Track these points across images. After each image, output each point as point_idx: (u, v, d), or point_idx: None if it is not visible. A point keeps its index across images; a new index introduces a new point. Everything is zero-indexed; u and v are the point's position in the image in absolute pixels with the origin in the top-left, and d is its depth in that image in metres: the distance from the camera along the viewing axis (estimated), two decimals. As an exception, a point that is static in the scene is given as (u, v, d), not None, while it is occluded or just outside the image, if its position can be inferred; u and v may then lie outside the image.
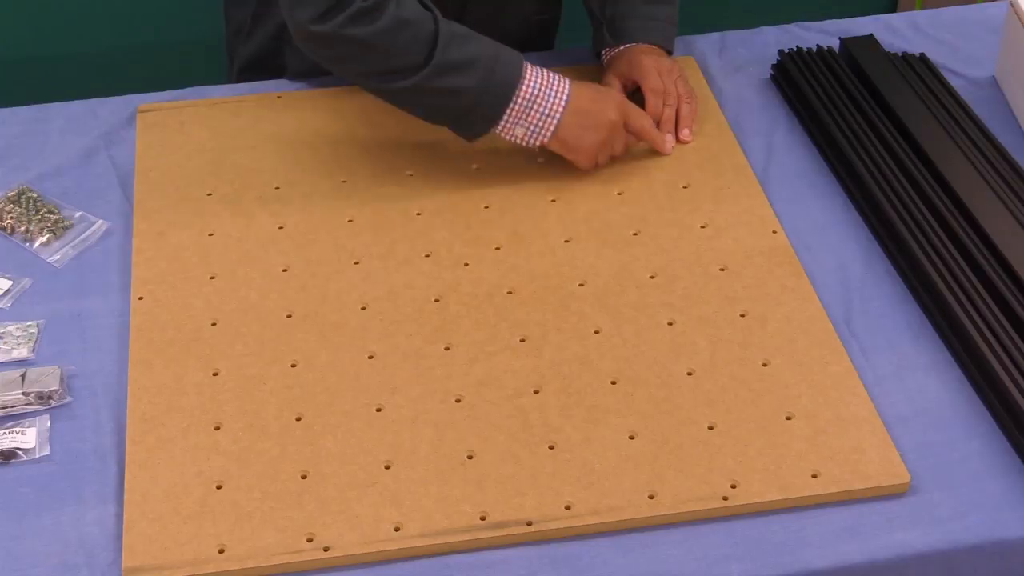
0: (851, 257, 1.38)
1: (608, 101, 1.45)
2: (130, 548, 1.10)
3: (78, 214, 1.43)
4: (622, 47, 1.56)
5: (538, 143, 1.43)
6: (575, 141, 1.43)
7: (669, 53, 1.57)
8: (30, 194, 1.44)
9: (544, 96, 1.40)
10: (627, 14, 1.56)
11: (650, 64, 1.51)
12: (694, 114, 1.52)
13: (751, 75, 1.63)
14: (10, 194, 1.44)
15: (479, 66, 1.37)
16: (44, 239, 1.39)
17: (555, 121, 1.41)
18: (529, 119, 1.40)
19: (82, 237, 1.40)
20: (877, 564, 1.10)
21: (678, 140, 1.51)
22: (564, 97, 1.41)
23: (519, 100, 1.39)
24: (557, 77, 1.42)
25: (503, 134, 1.42)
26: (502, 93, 1.39)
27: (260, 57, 1.66)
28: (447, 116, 1.42)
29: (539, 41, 1.73)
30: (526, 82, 1.39)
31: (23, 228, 1.40)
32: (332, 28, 1.32)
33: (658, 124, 1.50)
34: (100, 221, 1.42)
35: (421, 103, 1.42)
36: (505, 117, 1.40)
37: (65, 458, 1.18)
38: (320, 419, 1.20)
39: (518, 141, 1.43)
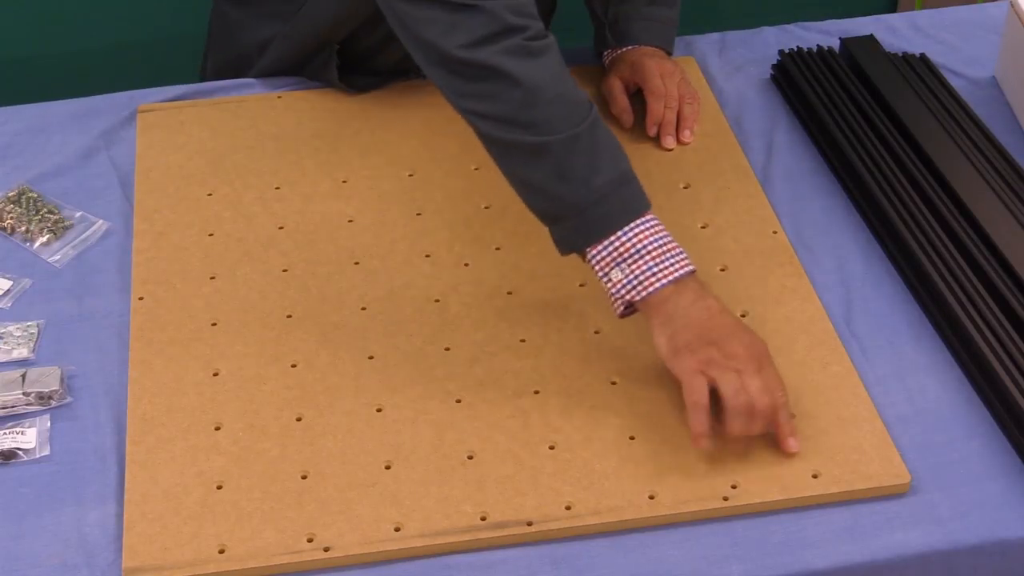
0: (851, 257, 1.38)
1: (733, 335, 1.15)
2: (130, 548, 1.10)
3: (78, 214, 1.43)
4: (624, 49, 1.56)
5: (635, 297, 1.17)
6: (685, 332, 1.15)
7: (669, 54, 1.57)
8: (30, 194, 1.44)
9: (656, 251, 1.16)
10: (630, 16, 1.56)
11: (652, 66, 1.51)
12: (696, 115, 1.52)
13: (751, 75, 1.63)
14: (10, 194, 1.44)
15: (616, 165, 1.18)
16: (44, 239, 1.39)
17: (656, 287, 1.15)
18: (636, 264, 1.16)
19: (82, 237, 1.40)
20: (877, 564, 1.10)
21: (679, 141, 1.51)
22: (680, 270, 1.16)
23: (630, 240, 1.16)
24: (676, 248, 1.18)
25: (596, 266, 1.18)
26: (628, 207, 1.17)
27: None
28: (550, 202, 1.19)
29: None
30: (646, 226, 1.17)
31: (23, 228, 1.40)
32: (485, 57, 1.17)
33: (659, 126, 1.50)
34: (100, 221, 1.42)
35: (537, 170, 1.18)
36: (605, 244, 1.16)
37: (65, 458, 1.18)
38: (320, 419, 1.20)
39: (611, 288, 1.18)
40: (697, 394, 1.13)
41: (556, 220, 1.20)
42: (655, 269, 1.16)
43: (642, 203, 1.19)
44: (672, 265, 1.16)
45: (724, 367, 1.13)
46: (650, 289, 1.16)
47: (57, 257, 1.38)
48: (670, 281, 1.15)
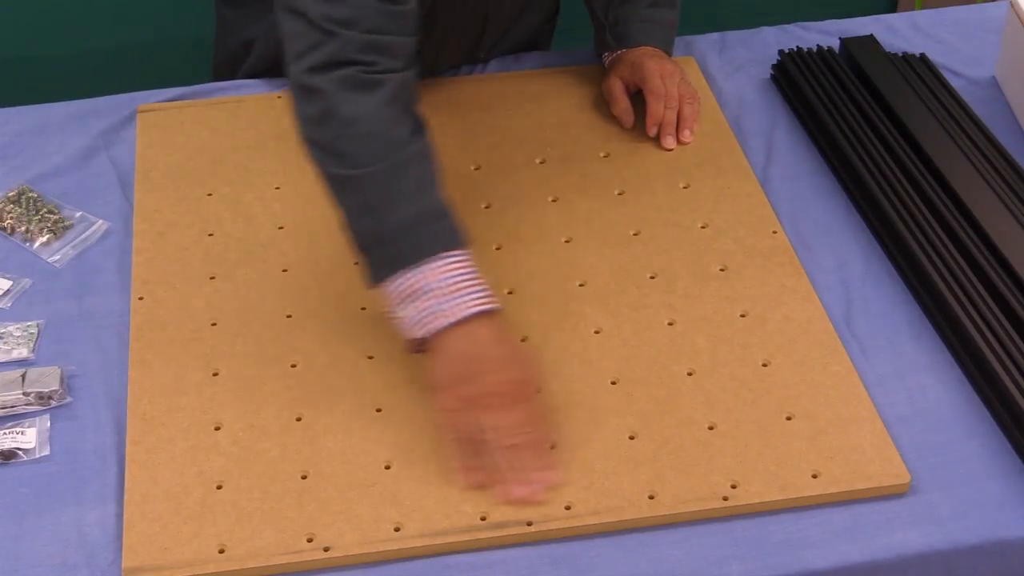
0: (851, 257, 1.38)
1: (502, 368, 1.15)
2: (130, 548, 1.10)
3: (78, 214, 1.43)
4: (624, 50, 1.56)
5: (414, 335, 1.17)
6: (444, 369, 1.16)
7: (669, 55, 1.57)
8: (30, 194, 1.44)
9: (446, 295, 1.15)
10: (630, 18, 1.56)
11: (652, 67, 1.51)
12: (696, 115, 1.52)
13: (751, 75, 1.63)
14: (10, 194, 1.44)
15: (422, 202, 1.18)
16: (44, 239, 1.39)
17: (438, 327, 1.14)
18: (420, 308, 1.15)
19: (82, 237, 1.40)
20: (877, 564, 1.10)
21: (679, 141, 1.51)
22: (464, 312, 1.14)
23: (417, 280, 1.15)
24: (473, 285, 1.16)
25: (393, 304, 1.18)
26: (423, 246, 1.16)
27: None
28: (355, 233, 1.20)
29: (540, 43, 1.74)
30: (451, 259, 1.16)
31: (23, 228, 1.40)
32: (319, 82, 1.18)
33: (659, 127, 1.50)
34: (100, 221, 1.42)
35: (346, 201, 1.19)
36: (398, 280, 1.16)
37: (65, 458, 1.18)
38: (320, 419, 1.20)
39: (401, 323, 1.18)
40: (449, 433, 1.15)
41: (361, 252, 1.20)
42: (442, 307, 1.15)
43: (444, 241, 1.17)
44: (460, 304, 1.14)
45: (478, 405, 1.13)
46: (432, 327, 1.15)
47: (57, 257, 1.38)
48: (454, 321, 1.14)
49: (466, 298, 1.15)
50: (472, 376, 1.14)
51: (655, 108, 1.50)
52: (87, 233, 1.41)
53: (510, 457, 1.13)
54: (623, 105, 1.52)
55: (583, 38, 1.67)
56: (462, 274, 1.16)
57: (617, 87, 1.53)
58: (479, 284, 1.16)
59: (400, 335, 1.20)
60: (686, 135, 1.50)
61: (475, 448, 1.14)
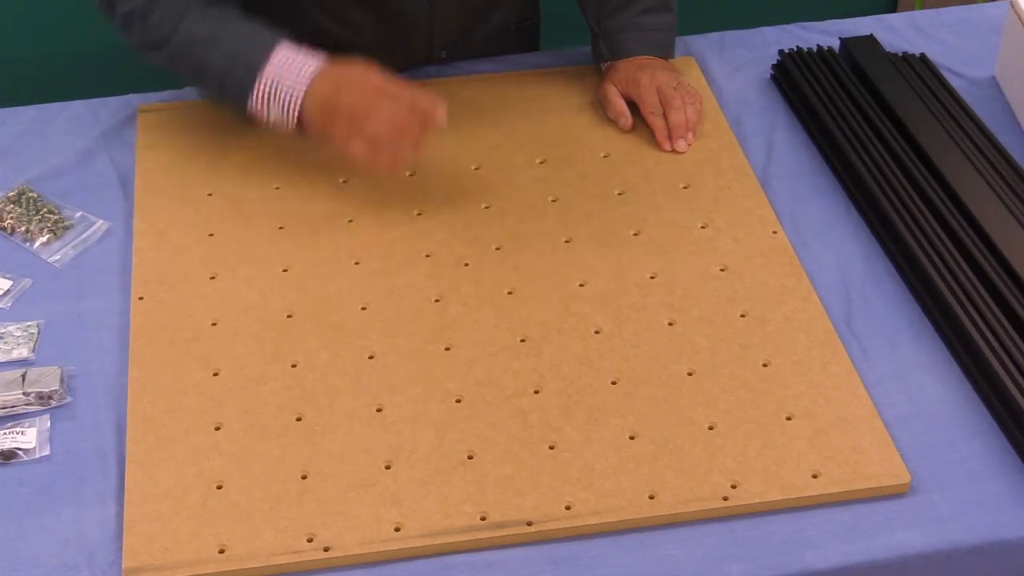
0: (851, 257, 1.38)
1: (356, 82, 1.35)
2: (130, 548, 1.10)
3: (78, 214, 1.43)
4: (619, 60, 1.55)
5: (288, 125, 1.38)
6: (318, 124, 1.36)
7: (668, 58, 1.57)
8: (30, 194, 1.44)
9: (288, 75, 1.35)
10: (622, 27, 1.55)
11: (646, 81, 1.51)
12: (698, 115, 1.51)
13: (751, 75, 1.63)
14: (10, 194, 1.44)
15: (222, 43, 1.37)
16: (44, 239, 1.39)
17: (298, 100, 1.35)
18: (281, 93, 1.36)
19: (82, 237, 1.40)
20: (877, 564, 1.10)
21: (683, 143, 1.50)
22: (308, 76, 1.35)
23: (266, 76, 1.36)
24: (312, 56, 1.36)
25: (261, 117, 1.39)
26: (246, 72, 1.36)
27: None
28: (209, 91, 1.43)
29: (522, 44, 1.72)
30: (271, 64, 1.36)
31: (23, 228, 1.41)
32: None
33: (669, 137, 1.50)
34: (100, 221, 1.42)
35: (185, 74, 1.43)
36: (253, 95, 1.37)
37: (65, 458, 1.18)
38: (320, 419, 1.20)
39: (275, 124, 1.39)
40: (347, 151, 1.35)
41: (224, 101, 1.42)
42: (291, 90, 1.35)
43: (262, 48, 1.36)
44: (300, 78, 1.35)
45: (356, 120, 1.33)
46: (296, 109, 1.36)
47: (57, 257, 1.38)
48: (303, 92, 1.35)
49: (301, 70, 1.35)
50: (339, 105, 1.34)
51: (657, 124, 1.50)
52: (87, 233, 1.41)
53: (393, 138, 1.33)
54: (619, 108, 1.52)
55: (583, 40, 1.66)
56: (288, 58, 1.36)
57: (611, 91, 1.53)
58: (305, 57, 1.35)
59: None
60: (689, 137, 1.50)
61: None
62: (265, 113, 1.38)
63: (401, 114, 1.33)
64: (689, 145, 1.50)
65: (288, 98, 1.36)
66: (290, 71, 1.35)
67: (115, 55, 2.11)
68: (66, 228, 1.41)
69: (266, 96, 1.37)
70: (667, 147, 1.50)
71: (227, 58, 1.37)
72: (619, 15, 1.56)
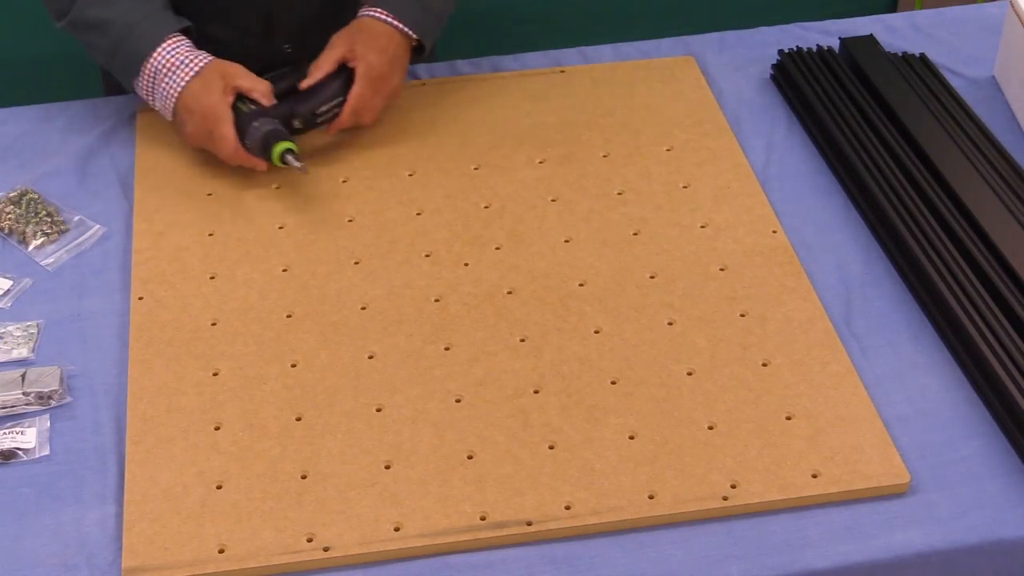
0: (851, 257, 1.38)
1: (198, 112, 1.42)
2: (130, 548, 1.10)
3: (76, 218, 1.43)
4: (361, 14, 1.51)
5: (168, 119, 1.46)
6: (182, 132, 1.46)
7: (411, 35, 1.49)
8: (31, 195, 1.44)
9: (167, 76, 1.42)
10: None
11: (363, 68, 1.46)
12: (372, 116, 1.49)
13: (751, 75, 1.63)
14: (11, 195, 1.44)
15: (112, 30, 1.42)
16: (38, 242, 1.39)
17: (168, 105, 1.43)
18: (157, 94, 1.44)
19: (77, 242, 1.40)
20: (877, 564, 1.10)
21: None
22: (182, 84, 1.42)
23: (145, 73, 1.43)
24: (190, 62, 1.42)
25: (148, 101, 1.46)
26: (130, 63, 1.43)
27: None
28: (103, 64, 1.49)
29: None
30: (154, 56, 1.42)
31: (20, 230, 1.40)
32: None
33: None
34: (97, 226, 1.42)
35: (83, 45, 1.48)
36: (136, 85, 1.44)
37: (65, 458, 1.18)
38: (320, 419, 1.20)
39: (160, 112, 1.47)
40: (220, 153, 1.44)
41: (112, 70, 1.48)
42: (168, 90, 1.43)
43: (148, 38, 1.42)
44: (171, 87, 1.42)
45: (193, 142, 1.45)
46: (170, 107, 1.44)
47: (51, 260, 1.38)
48: (175, 98, 1.42)
49: (175, 77, 1.42)
50: (184, 133, 1.45)
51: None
52: (83, 238, 1.40)
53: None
54: (319, 64, 1.47)
55: (581, 39, 1.67)
56: (168, 61, 1.42)
57: (333, 42, 1.48)
58: (182, 62, 1.42)
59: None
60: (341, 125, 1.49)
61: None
62: (151, 102, 1.46)
63: (233, 161, 1.44)
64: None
65: (164, 101, 1.44)
66: (167, 76, 1.42)
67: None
68: (62, 232, 1.41)
69: (149, 90, 1.44)
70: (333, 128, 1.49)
71: (114, 44, 1.43)
72: None
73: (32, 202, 1.43)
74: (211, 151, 1.44)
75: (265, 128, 1.42)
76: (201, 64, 1.42)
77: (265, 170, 1.44)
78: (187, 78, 1.42)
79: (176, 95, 1.42)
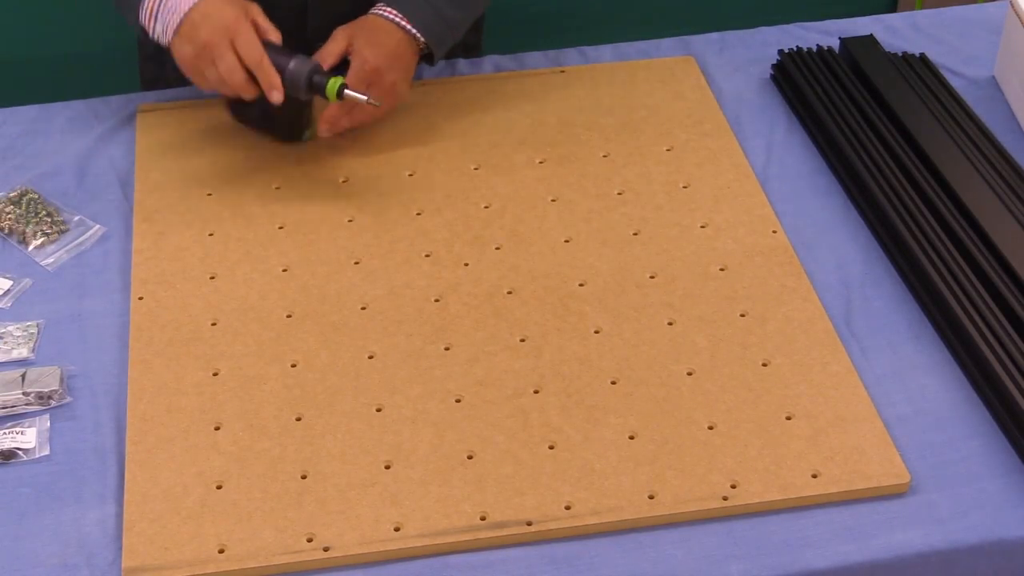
0: (851, 257, 1.38)
1: (216, 19, 1.35)
2: (130, 548, 1.10)
3: (76, 218, 1.42)
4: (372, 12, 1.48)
5: (166, 42, 1.40)
6: (179, 51, 1.38)
7: (421, 39, 1.46)
8: (32, 195, 1.44)
9: (167, 14, 1.37)
10: None
11: (358, 63, 1.43)
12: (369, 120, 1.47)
13: (751, 75, 1.63)
14: (12, 194, 1.44)
15: None
16: (38, 242, 1.39)
17: (175, 20, 1.37)
18: (163, 9, 1.38)
19: (77, 242, 1.40)
20: (877, 564, 1.10)
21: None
22: (175, 22, 1.37)
23: None
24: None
25: (149, 28, 1.41)
26: None
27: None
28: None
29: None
30: None
31: (20, 230, 1.40)
32: None
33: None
34: (97, 226, 1.42)
35: None
36: (144, 12, 1.39)
37: (65, 458, 1.18)
38: (320, 419, 1.20)
39: (158, 38, 1.41)
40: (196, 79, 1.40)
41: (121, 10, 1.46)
42: (173, 9, 1.37)
43: None
44: (180, 4, 1.37)
45: (202, 62, 1.36)
46: (172, 27, 1.38)
47: (51, 260, 1.38)
48: (181, 17, 1.36)
49: (170, 9, 1.37)
50: (195, 39, 1.36)
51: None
52: (83, 238, 1.40)
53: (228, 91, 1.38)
54: (324, 54, 1.45)
55: (580, 39, 1.67)
56: None
57: (336, 35, 1.46)
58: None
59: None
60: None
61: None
62: (152, 27, 1.40)
63: (237, 77, 1.35)
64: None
65: (169, 16, 1.37)
66: (163, 11, 1.37)
67: (115, 55, 2.11)
68: (62, 232, 1.41)
69: (153, 10, 1.38)
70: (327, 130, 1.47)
71: None
72: None
73: (32, 202, 1.43)
74: (226, 65, 1.35)
75: (310, 64, 1.37)
76: None
77: (281, 95, 1.36)
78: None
79: (188, 7, 1.36)
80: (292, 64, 1.37)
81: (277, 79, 1.36)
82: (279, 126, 1.48)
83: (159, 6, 1.38)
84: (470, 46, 1.67)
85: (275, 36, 1.38)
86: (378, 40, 1.45)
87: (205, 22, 1.35)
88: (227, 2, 1.36)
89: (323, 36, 1.50)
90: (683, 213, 1.42)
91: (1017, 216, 1.35)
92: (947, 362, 1.27)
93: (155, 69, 1.69)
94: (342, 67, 1.44)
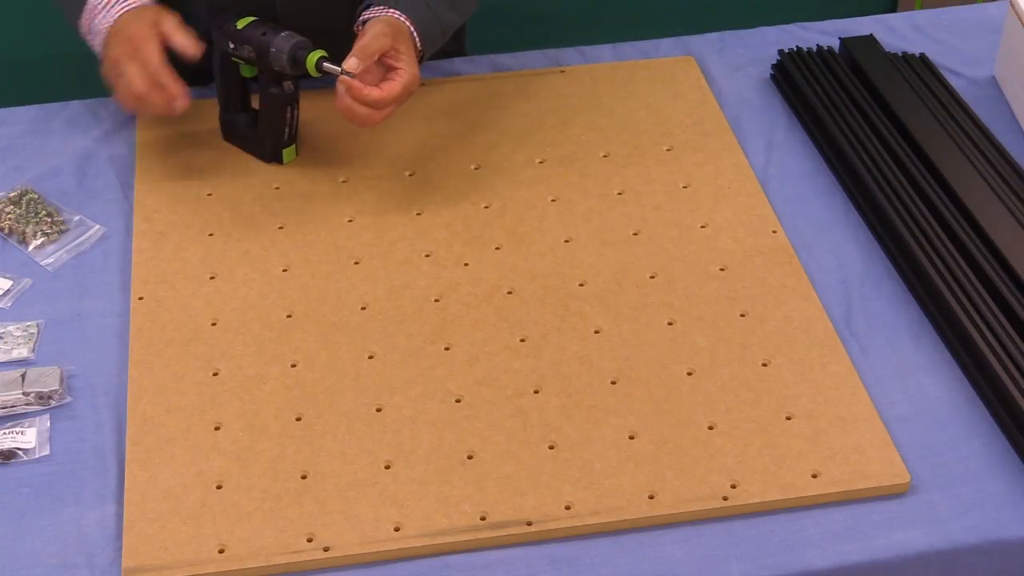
0: (851, 257, 1.38)
1: (123, 34, 1.39)
2: (130, 548, 1.10)
3: (76, 218, 1.42)
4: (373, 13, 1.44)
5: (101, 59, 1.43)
6: (103, 60, 1.41)
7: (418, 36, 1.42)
8: (32, 195, 1.44)
9: (105, 10, 1.41)
10: None
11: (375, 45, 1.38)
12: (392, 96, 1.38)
13: (751, 75, 1.63)
14: (12, 194, 1.44)
15: None
16: (38, 242, 1.39)
17: (100, 39, 1.41)
18: (94, 28, 1.42)
19: (77, 242, 1.40)
20: (877, 564, 1.10)
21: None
22: (114, 16, 1.40)
23: (87, 9, 1.42)
24: (113, 7, 1.41)
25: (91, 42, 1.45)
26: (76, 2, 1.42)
27: None
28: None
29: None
30: (90, 3, 1.41)
31: (20, 230, 1.40)
32: None
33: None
34: (97, 226, 1.42)
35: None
36: (81, 21, 1.43)
37: (65, 458, 1.18)
38: (320, 419, 1.20)
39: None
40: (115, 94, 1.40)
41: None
42: (100, 25, 1.41)
43: None
44: (105, 18, 1.40)
45: (112, 76, 1.39)
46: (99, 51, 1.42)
47: (51, 260, 1.38)
48: (108, 31, 1.39)
49: (111, 9, 1.40)
50: (107, 56, 1.39)
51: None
52: (83, 238, 1.40)
53: (138, 104, 1.39)
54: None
55: (579, 39, 1.66)
56: (97, 6, 1.41)
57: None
58: (110, 9, 1.41)
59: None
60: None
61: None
62: (89, 39, 1.44)
63: (142, 88, 1.36)
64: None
65: (95, 38, 1.42)
66: (106, 7, 1.41)
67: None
68: (62, 232, 1.41)
69: (89, 27, 1.43)
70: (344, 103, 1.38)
71: None
72: None
73: (32, 202, 1.43)
74: (127, 77, 1.36)
75: (293, 39, 1.37)
76: (139, 3, 1.41)
77: (185, 102, 1.37)
78: (121, 11, 1.40)
79: (108, 25, 1.40)
80: (276, 40, 1.38)
81: (177, 89, 1.37)
82: (258, 146, 1.49)
83: (90, 27, 1.42)
84: (450, 53, 1.65)
85: (190, 49, 1.38)
86: (413, 53, 1.41)
87: (115, 38, 1.39)
88: (137, 16, 1.39)
89: (293, 13, 1.49)
90: (683, 213, 1.42)
91: (1017, 216, 1.35)
92: (947, 362, 1.27)
93: None
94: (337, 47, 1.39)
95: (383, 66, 1.38)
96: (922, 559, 1.11)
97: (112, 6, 1.41)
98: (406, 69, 1.37)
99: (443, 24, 1.47)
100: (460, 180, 1.47)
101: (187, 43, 1.39)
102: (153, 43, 1.37)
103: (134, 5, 1.41)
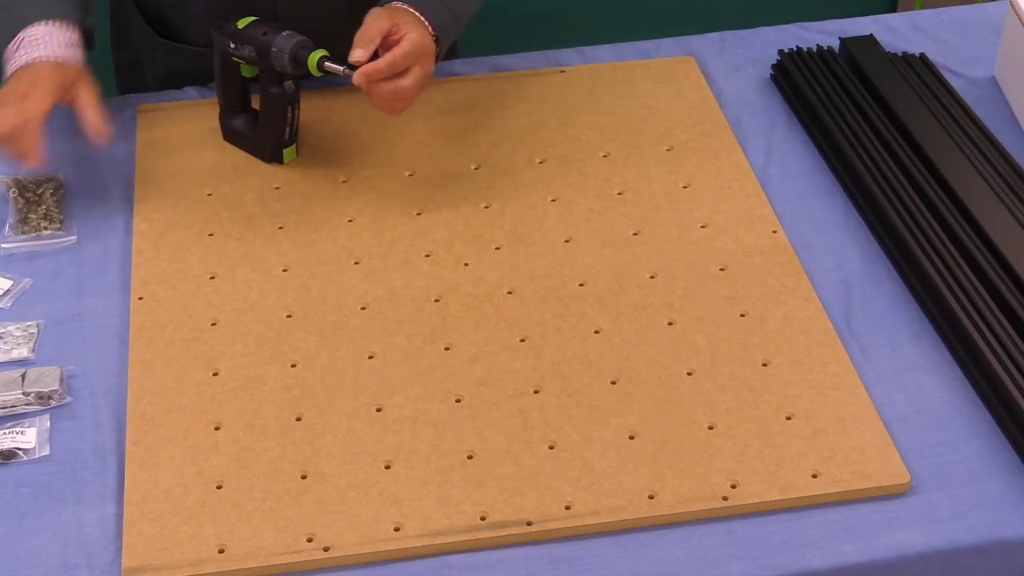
0: (851, 257, 1.38)
1: (29, 79, 1.37)
2: (130, 548, 1.10)
3: (76, 218, 1.42)
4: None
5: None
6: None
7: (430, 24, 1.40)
8: (51, 185, 1.44)
9: (29, 47, 1.38)
10: None
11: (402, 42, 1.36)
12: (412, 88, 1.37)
13: (751, 75, 1.63)
14: (10, 194, 1.44)
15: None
16: (33, 239, 1.39)
17: (11, 67, 1.39)
18: (16, 58, 1.39)
19: (75, 241, 1.40)
20: (877, 564, 1.10)
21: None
22: (37, 55, 1.38)
23: (16, 39, 1.39)
24: (39, 48, 1.39)
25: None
26: (12, 25, 1.39)
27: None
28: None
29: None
30: (34, 28, 1.38)
31: (16, 224, 1.40)
32: None
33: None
34: (96, 227, 1.41)
35: None
36: (7, 50, 1.40)
37: (65, 458, 1.18)
38: (320, 419, 1.21)
39: None
40: None
41: None
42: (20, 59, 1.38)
43: (24, 17, 1.40)
44: (13, 64, 1.38)
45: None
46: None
47: (9, 246, 1.38)
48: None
49: (16, 58, 1.38)
50: (4, 83, 1.37)
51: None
52: (81, 238, 1.40)
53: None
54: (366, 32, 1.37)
55: (579, 39, 1.66)
56: (26, 39, 1.38)
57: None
58: (27, 48, 1.38)
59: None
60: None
61: None
62: (8, 64, 1.41)
63: (5, 131, 1.34)
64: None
65: (14, 62, 1.38)
66: (29, 46, 1.38)
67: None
68: (60, 230, 1.41)
69: (11, 53, 1.39)
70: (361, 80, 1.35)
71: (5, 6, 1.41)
72: None
73: (31, 201, 1.43)
74: (2, 113, 1.34)
75: (294, 39, 1.37)
76: (65, 57, 1.38)
77: (34, 165, 1.36)
78: (44, 56, 1.38)
79: (27, 60, 1.37)
80: (277, 40, 1.37)
81: (35, 151, 1.35)
82: (258, 146, 1.49)
83: (14, 53, 1.39)
84: (446, 55, 1.64)
85: (98, 130, 1.39)
86: (420, 27, 1.39)
87: (24, 72, 1.37)
88: (58, 69, 1.37)
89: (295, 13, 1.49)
90: (683, 213, 1.42)
91: (1017, 216, 1.35)
92: (947, 362, 1.27)
93: (129, 78, 1.69)
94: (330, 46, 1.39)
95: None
96: (922, 559, 1.11)
97: (41, 44, 1.38)
98: (411, 32, 1.35)
99: (454, 13, 1.44)
100: (460, 180, 1.47)
101: (97, 123, 1.38)
102: (47, 100, 1.36)
103: (61, 58, 1.38)
